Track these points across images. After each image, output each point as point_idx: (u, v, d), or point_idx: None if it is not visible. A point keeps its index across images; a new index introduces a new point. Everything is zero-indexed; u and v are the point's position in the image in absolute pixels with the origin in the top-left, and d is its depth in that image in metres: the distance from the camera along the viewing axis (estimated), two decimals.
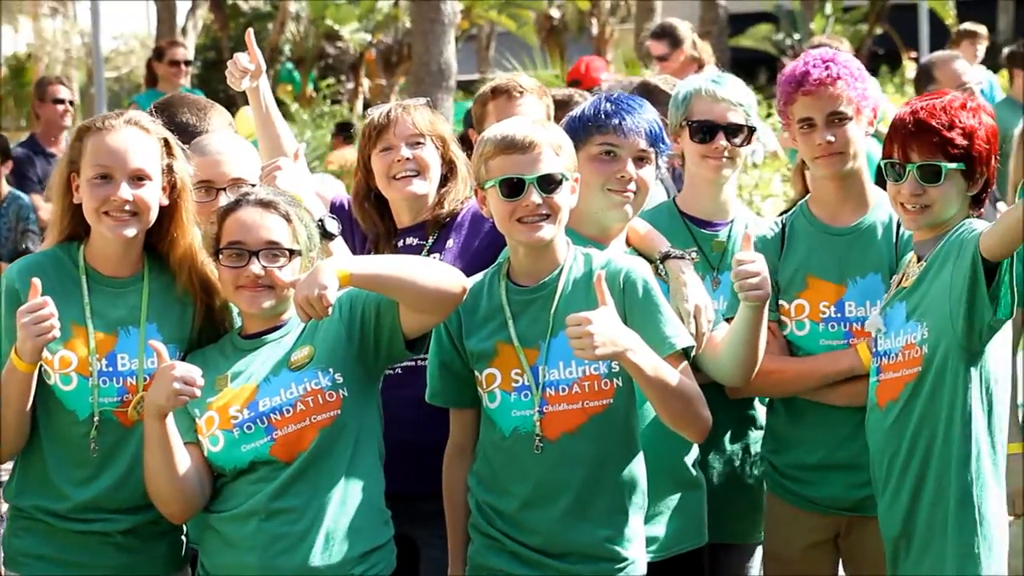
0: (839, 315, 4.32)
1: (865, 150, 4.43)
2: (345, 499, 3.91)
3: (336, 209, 4.59)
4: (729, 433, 4.52)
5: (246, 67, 4.66)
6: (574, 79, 9.52)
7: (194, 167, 4.17)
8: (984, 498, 3.95)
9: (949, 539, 3.96)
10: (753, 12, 25.87)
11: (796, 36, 22.87)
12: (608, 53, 21.05)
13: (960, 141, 3.99)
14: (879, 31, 24.64)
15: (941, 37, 17.55)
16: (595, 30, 23.49)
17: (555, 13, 25.20)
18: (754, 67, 22.25)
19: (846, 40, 10.14)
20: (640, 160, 4.21)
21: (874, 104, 4.43)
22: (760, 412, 4.54)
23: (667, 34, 9.19)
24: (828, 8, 24.56)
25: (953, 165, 3.99)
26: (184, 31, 22.59)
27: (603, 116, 4.23)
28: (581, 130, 4.22)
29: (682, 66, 8.82)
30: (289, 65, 24.20)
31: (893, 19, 24.96)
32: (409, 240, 4.49)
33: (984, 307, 3.81)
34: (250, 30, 4.90)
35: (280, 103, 21.95)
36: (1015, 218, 3.67)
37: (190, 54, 13.73)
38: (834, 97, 4.34)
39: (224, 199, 4.16)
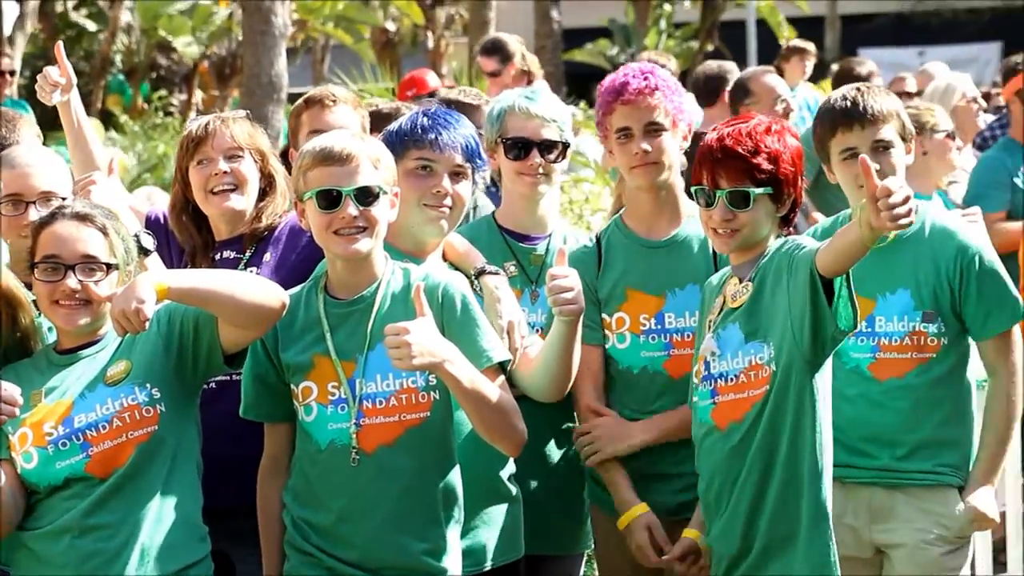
0: (659, 327, 4.38)
1: (679, 163, 4.51)
2: (161, 515, 3.87)
3: (152, 222, 4.55)
4: (549, 445, 4.55)
5: (56, 81, 4.60)
6: (417, 93, 9.55)
7: (2, 180, 4.10)
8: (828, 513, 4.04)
9: (800, 551, 4.00)
10: (588, 27, 26.08)
11: (630, 50, 23.10)
12: (443, 67, 21.08)
13: (766, 166, 4.06)
14: (710, 47, 24.97)
15: (771, 54, 17.85)
16: (430, 44, 23.52)
17: (391, 27, 25.19)
18: (589, 82, 22.41)
19: (673, 58, 10.27)
20: (456, 175, 4.23)
21: (689, 119, 4.52)
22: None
23: (497, 49, 9.25)
24: (662, 24, 24.85)
25: (760, 190, 4.06)
26: (11, 40, 22.18)
27: (419, 131, 4.24)
28: (398, 144, 4.22)
29: (513, 81, 8.87)
30: (120, 76, 23.89)
31: (724, 36, 25.31)
32: (226, 253, 4.46)
33: (827, 320, 3.86)
34: (59, 43, 4.85)
35: (110, 115, 21.63)
36: (849, 239, 3.72)
37: (16, 64, 13.48)
38: (651, 108, 4.43)
39: (34, 212, 4.10)
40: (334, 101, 5.08)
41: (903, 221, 3.55)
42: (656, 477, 4.45)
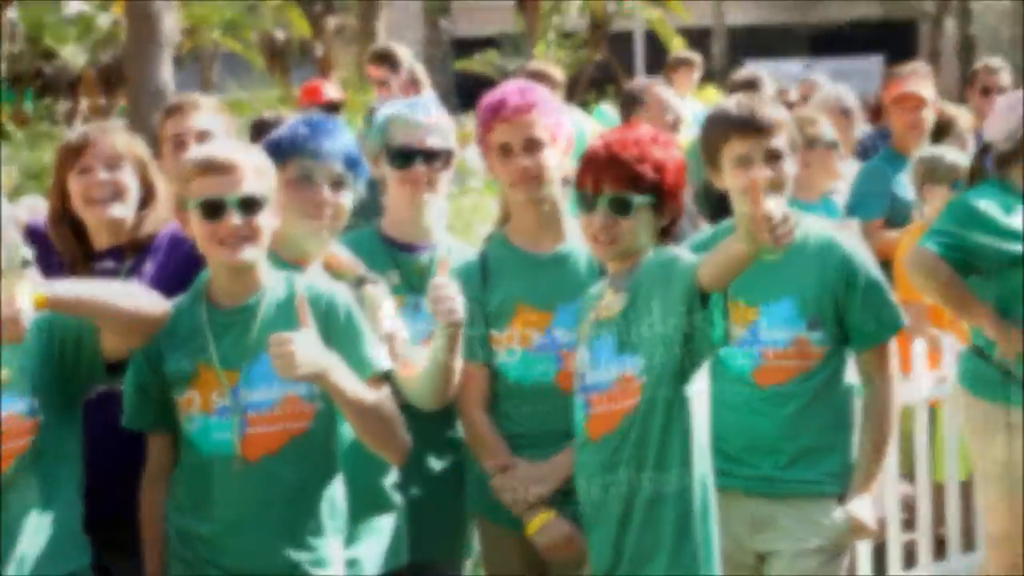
0: (549, 341, 4.37)
1: (560, 177, 4.54)
2: (40, 525, 3.84)
3: (32, 231, 4.50)
4: (431, 453, 4.56)
5: None
6: (312, 101, 9.52)
7: None
8: (700, 524, 4.05)
9: (663, 565, 4.03)
10: (478, 37, 26.15)
11: (519, 60, 23.18)
12: (332, 75, 21.04)
13: (650, 175, 4.08)
14: (598, 57, 25.12)
15: (658, 64, 17.98)
16: (319, 52, 23.46)
17: (280, 35, 25.09)
18: (479, 91, 22.43)
19: (559, 68, 10.31)
20: (337, 184, 4.23)
21: (569, 134, 4.56)
22: (461, 432, 4.59)
23: (386, 58, 9.24)
24: (551, 34, 24.97)
25: (643, 198, 4.08)
26: None
27: (299, 140, 4.24)
28: (278, 153, 4.21)
29: (402, 90, 8.87)
30: (4, 84, 23.59)
31: (612, 46, 25.49)
32: (106, 263, 4.41)
33: (701, 334, 3.88)
34: None
35: None
36: (732, 252, 3.75)
37: None
38: (530, 124, 4.46)
39: None
40: (195, 106, 5.08)
41: (785, 241, 3.59)
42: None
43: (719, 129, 4.57)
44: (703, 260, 3.87)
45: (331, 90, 10.57)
